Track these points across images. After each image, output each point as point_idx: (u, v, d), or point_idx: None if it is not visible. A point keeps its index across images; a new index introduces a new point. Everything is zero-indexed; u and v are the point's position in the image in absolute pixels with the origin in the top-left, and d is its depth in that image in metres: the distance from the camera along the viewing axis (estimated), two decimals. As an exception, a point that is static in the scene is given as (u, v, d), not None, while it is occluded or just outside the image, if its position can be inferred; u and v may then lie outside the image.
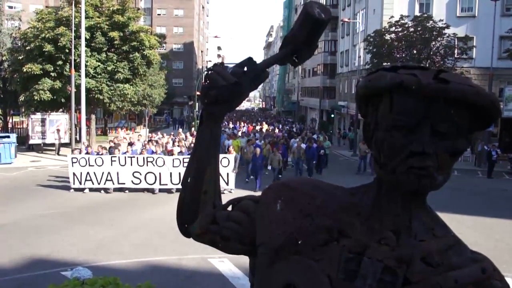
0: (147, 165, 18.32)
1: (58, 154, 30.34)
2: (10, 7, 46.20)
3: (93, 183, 18.50)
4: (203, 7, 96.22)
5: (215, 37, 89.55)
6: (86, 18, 29.78)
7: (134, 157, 18.59)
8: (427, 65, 29.13)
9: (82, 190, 18.59)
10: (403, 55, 32.92)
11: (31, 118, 31.66)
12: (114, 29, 32.66)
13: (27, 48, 31.33)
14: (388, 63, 31.33)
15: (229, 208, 1.62)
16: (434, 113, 1.23)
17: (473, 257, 1.34)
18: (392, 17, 33.94)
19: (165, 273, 10.13)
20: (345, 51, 52.13)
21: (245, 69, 1.52)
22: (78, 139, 30.73)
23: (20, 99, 31.54)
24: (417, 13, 35.73)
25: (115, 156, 18.61)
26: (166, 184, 18.43)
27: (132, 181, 18.39)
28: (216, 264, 10.43)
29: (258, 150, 21.39)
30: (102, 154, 19.54)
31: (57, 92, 30.62)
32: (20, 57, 31.64)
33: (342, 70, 53.33)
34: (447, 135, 1.25)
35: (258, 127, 41.55)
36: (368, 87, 1.34)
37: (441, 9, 36.82)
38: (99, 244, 12.04)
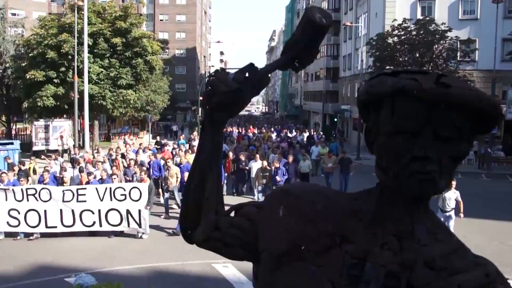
0: (27, 200, 12.90)
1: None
2: (13, 14, 46.45)
3: None
4: (205, 13, 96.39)
5: (218, 42, 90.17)
6: (88, 24, 29.88)
7: (8, 189, 13.02)
8: (430, 68, 29.18)
9: None
10: (406, 58, 32.87)
11: (35, 125, 31.77)
12: (117, 35, 32.85)
13: (30, 55, 31.58)
14: (391, 67, 31.34)
15: (232, 215, 1.62)
16: (436, 118, 1.23)
17: (476, 261, 1.33)
18: (394, 20, 33.92)
19: (169, 279, 10.13)
20: (348, 55, 52.12)
21: (247, 75, 1.51)
22: (81, 145, 30.80)
23: (24, 106, 31.71)
24: (419, 16, 35.71)
25: None
26: (56, 227, 12.98)
27: (7, 222, 12.98)
28: (220, 269, 10.41)
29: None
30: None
31: (60, 99, 30.80)
32: (23, 64, 31.90)
33: (344, 74, 53.29)
34: (449, 139, 1.24)
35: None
36: (369, 92, 1.33)
37: (443, 12, 36.78)
38: (102, 250, 12.04)
